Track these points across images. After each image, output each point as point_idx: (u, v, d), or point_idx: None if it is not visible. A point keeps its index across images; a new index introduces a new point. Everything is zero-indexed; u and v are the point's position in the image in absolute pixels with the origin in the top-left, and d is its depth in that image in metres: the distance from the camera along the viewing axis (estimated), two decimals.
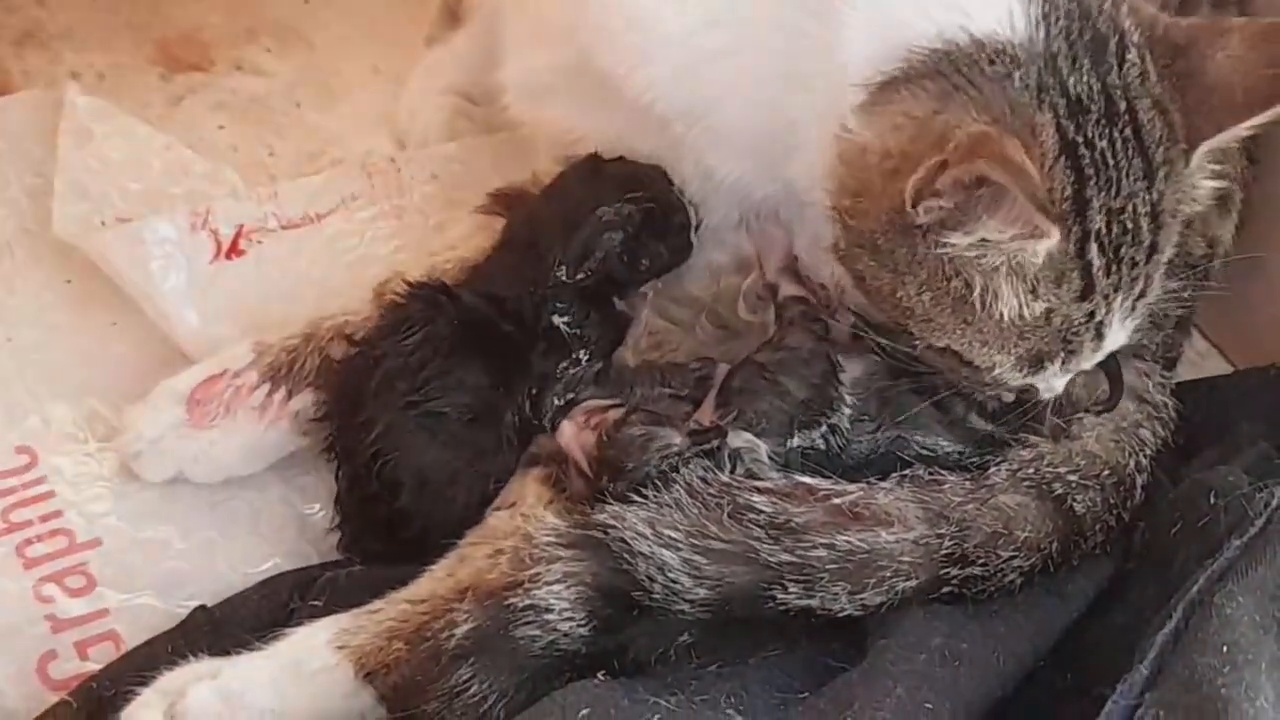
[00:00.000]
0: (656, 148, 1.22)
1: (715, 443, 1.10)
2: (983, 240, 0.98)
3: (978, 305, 1.02)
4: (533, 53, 1.28)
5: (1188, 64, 1.03)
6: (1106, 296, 1.03)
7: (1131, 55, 1.02)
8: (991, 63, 1.00)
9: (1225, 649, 0.90)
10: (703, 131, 1.16)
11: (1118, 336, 1.07)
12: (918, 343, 1.08)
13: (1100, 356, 1.08)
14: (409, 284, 1.21)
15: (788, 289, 1.24)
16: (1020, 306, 1.01)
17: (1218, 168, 1.11)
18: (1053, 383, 1.10)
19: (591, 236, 1.19)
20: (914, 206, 0.97)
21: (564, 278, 1.19)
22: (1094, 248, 1.00)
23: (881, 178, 1.01)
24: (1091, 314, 1.03)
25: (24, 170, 1.47)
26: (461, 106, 1.56)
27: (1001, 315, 1.02)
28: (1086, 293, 1.02)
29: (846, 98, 1.03)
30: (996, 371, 1.07)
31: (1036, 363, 1.06)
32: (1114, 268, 1.02)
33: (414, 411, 1.13)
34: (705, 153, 1.18)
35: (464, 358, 1.16)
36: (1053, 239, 0.96)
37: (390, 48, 1.67)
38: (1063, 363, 1.06)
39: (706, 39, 1.10)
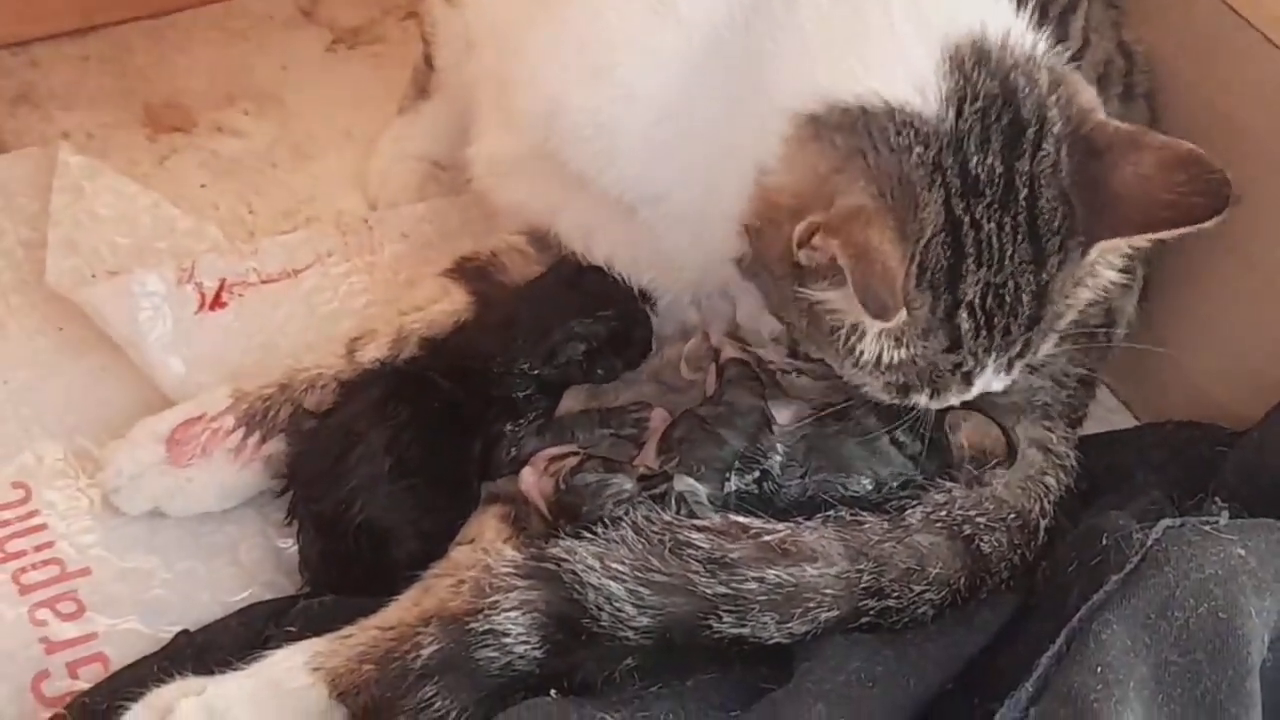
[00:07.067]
0: (620, 232, 1.29)
1: (662, 487, 1.16)
2: (837, 299, 1.05)
3: (841, 341, 1.08)
4: (502, 137, 1.32)
5: (1100, 167, 1.06)
6: (975, 354, 1.08)
7: (1047, 145, 1.05)
8: (899, 133, 1.03)
9: (1099, 669, 0.97)
10: (663, 216, 1.22)
11: (990, 384, 1.12)
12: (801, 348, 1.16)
13: (969, 396, 1.13)
14: (383, 362, 1.28)
15: (729, 352, 1.31)
16: (882, 351, 1.07)
17: (1123, 261, 1.13)
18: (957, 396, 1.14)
19: (560, 344, 1.28)
20: (799, 249, 1.04)
21: (527, 369, 1.27)
22: (964, 314, 1.06)
23: (785, 214, 1.06)
24: (958, 364, 1.09)
25: (19, 223, 1.51)
26: (430, 171, 1.60)
27: (862, 353, 1.07)
28: (953, 347, 1.07)
29: (770, 149, 1.08)
30: (865, 390, 1.13)
31: (904, 391, 1.11)
32: (984, 332, 1.07)
33: (400, 483, 1.20)
34: (665, 237, 1.25)
35: (438, 432, 1.23)
36: (891, 321, 1.01)
37: (362, 113, 1.70)
38: (930, 397, 1.12)
39: (661, 133, 1.17)
